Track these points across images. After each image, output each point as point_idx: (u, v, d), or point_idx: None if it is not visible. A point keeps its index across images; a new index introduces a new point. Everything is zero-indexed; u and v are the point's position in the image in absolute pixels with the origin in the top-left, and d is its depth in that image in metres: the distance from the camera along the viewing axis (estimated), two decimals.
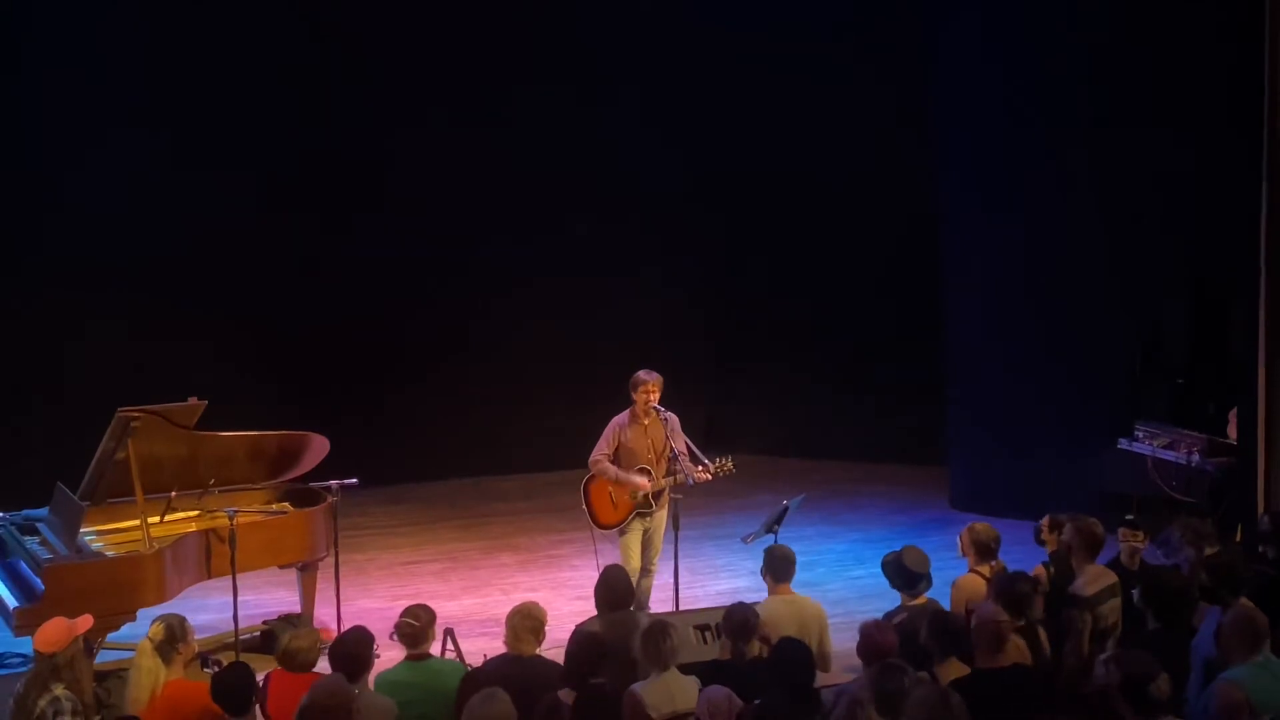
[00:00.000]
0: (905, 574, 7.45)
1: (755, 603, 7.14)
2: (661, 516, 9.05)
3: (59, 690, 6.18)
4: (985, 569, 7.70)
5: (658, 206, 13.28)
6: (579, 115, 12.88)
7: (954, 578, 7.83)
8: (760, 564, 7.66)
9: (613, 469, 8.98)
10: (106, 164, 11.62)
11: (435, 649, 7.13)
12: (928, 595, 7.52)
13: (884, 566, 7.59)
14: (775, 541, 8.49)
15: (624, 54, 12.90)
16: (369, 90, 12.39)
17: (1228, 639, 6.19)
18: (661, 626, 6.50)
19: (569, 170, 12.95)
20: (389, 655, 7.36)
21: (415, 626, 6.80)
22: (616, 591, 7.37)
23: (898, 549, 7.66)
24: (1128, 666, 5.64)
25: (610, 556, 8.92)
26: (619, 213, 13.13)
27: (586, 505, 9.11)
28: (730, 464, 9.00)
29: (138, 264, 11.75)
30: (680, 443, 8.97)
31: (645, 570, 9.11)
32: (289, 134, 12.17)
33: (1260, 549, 7.95)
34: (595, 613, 7.51)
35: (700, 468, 8.88)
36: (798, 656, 6.62)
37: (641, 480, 8.93)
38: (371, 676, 6.67)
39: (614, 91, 12.94)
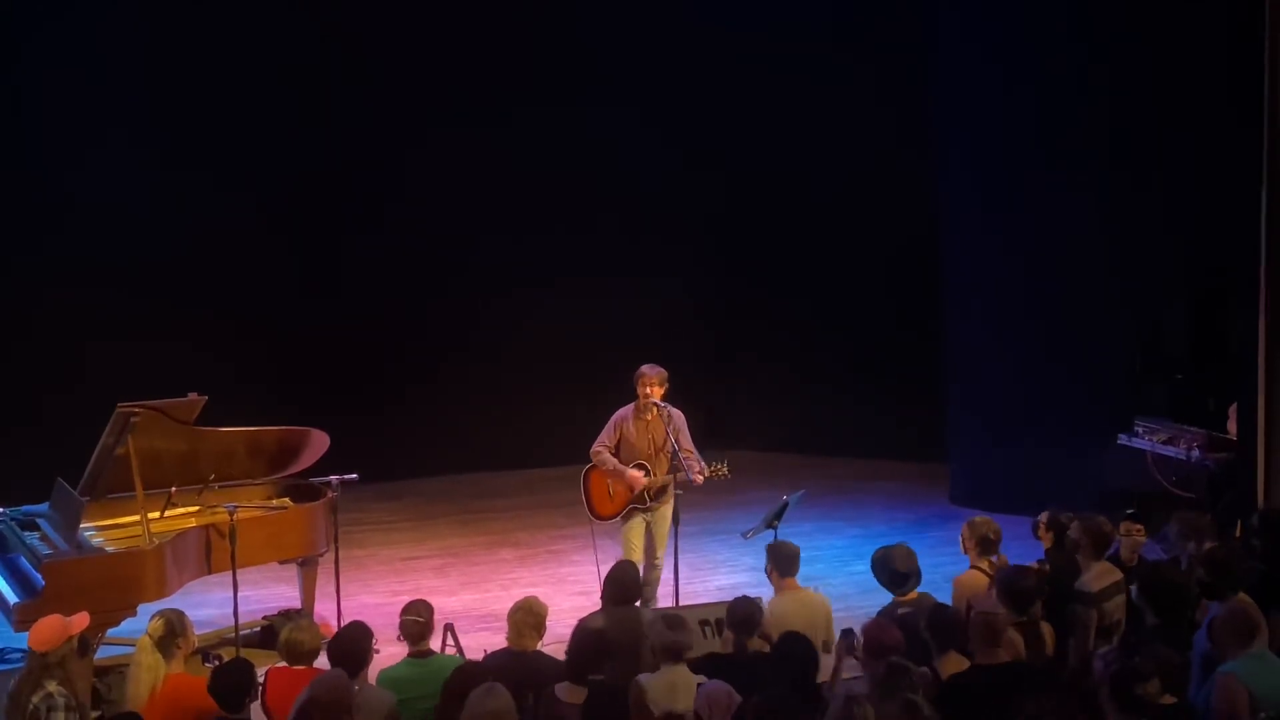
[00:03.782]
0: (894, 573, 7.44)
1: (760, 597, 7.16)
2: (665, 511, 9.03)
3: (52, 687, 6.20)
4: (986, 564, 7.72)
5: (658, 205, 13.28)
6: (579, 115, 12.88)
7: (954, 573, 7.84)
8: (760, 559, 7.69)
9: (611, 460, 9.00)
10: (107, 164, 11.62)
11: (435, 644, 7.14)
12: (919, 591, 7.51)
13: (873, 566, 7.59)
14: (775, 537, 8.53)
15: (624, 54, 12.90)
16: (369, 91, 12.40)
17: (1219, 633, 6.21)
18: (678, 619, 6.52)
19: (569, 170, 12.96)
20: (389, 651, 7.38)
21: (420, 623, 6.81)
22: (624, 587, 7.38)
23: (889, 546, 7.65)
24: (1123, 663, 5.65)
25: (609, 551, 8.94)
26: (619, 211, 13.13)
27: (585, 495, 9.14)
28: (725, 469, 9.00)
29: (139, 262, 11.76)
30: (684, 440, 8.98)
31: (650, 565, 9.12)
32: (290, 134, 12.18)
33: (1253, 543, 7.96)
34: (596, 608, 7.53)
35: (697, 469, 8.88)
36: (800, 652, 6.64)
37: (636, 475, 8.94)
38: (373, 673, 6.69)
39: (614, 91, 12.94)
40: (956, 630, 6.54)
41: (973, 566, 7.74)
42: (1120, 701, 5.58)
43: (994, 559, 7.72)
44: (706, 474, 8.92)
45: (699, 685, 6.15)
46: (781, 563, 7.55)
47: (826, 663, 7.22)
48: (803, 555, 7.75)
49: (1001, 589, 6.96)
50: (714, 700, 5.90)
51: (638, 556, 9.03)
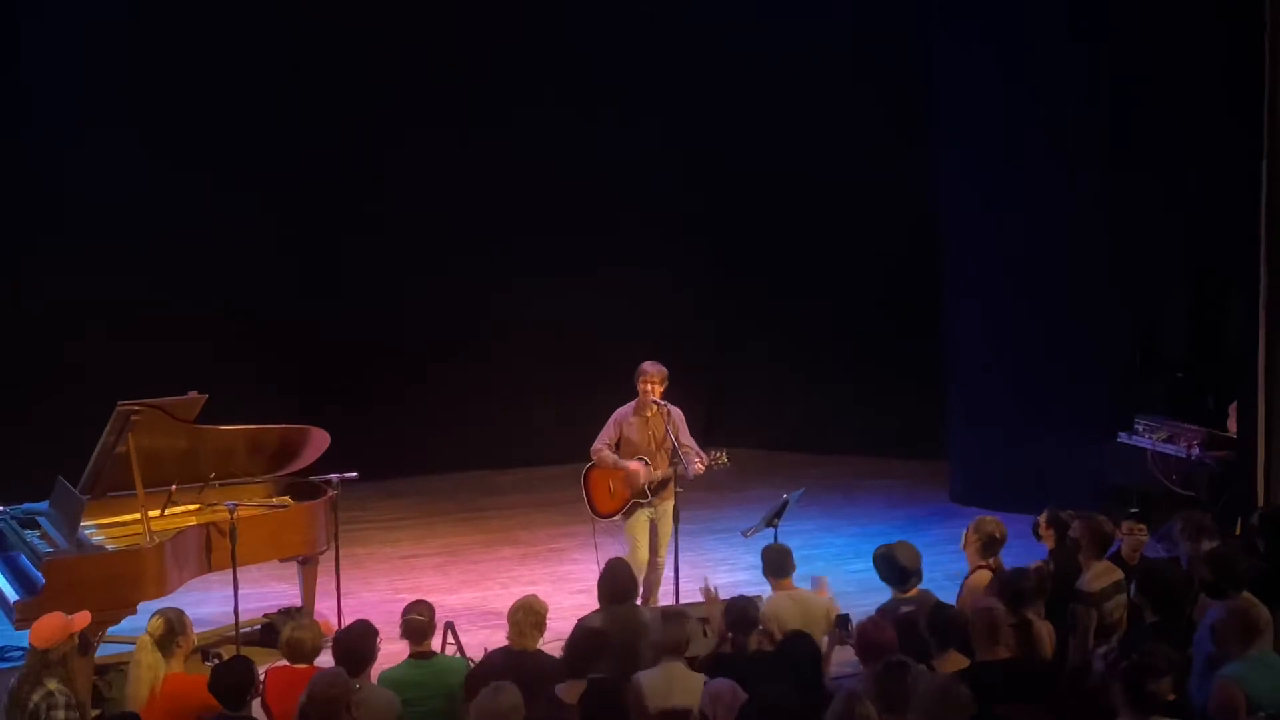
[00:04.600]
0: (898, 570, 7.45)
1: (759, 595, 7.17)
2: (667, 507, 9.03)
3: (52, 685, 6.19)
4: (988, 564, 7.72)
5: (658, 202, 13.26)
6: (579, 111, 12.85)
7: (955, 572, 7.84)
8: (759, 560, 7.68)
9: (611, 456, 9.02)
10: (108, 159, 11.60)
11: (435, 643, 7.14)
12: (920, 588, 7.52)
13: (875, 562, 7.60)
14: (775, 535, 8.55)
15: (625, 49, 12.85)
16: (369, 88, 12.37)
17: (1223, 633, 6.20)
18: (678, 614, 6.52)
19: (570, 167, 12.92)
20: (390, 650, 7.37)
21: (422, 621, 6.80)
22: (620, 584, 7.38)
23: (892, 543, 7.66)
24: (1136, 660, 5.64)
25: (609, 549, 8.93)
26: (619, 208, 13.11)
27: (586, 493, 9.14)
28: (725, 458, 9.00)
29: (139, 258, 11.75)
30: (684, 435, 8.98)
31: (652, 563, 9.13)
32: (290, 131, 12.15)
33: (1256, 543, 7.95)
34: (597, 606, 7.53)
35: (697, 461, 8.89)
36: (804, 650, 6.64)
37: (636, 466, 8.94)
38: (375, 672, 6.68)
39: (615, 87, 12.90)
40: (957, 629, 6.53)
41: (976, 567, 7.73)
42: (1131, 698, 5.56)
43: (991, 561, 7.73)
44: (707, 463, 8.92)
45: (705, 684, 6.16)
46: (775, 565, 7.55)
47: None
48: (802, 553, 7.75)
49: (1001, 588, 6.96)
50: (719, 698, 5.92)
51: (644, 552, 9.04)
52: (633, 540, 9.06)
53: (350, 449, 9.45)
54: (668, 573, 9.02)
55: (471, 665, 6.96)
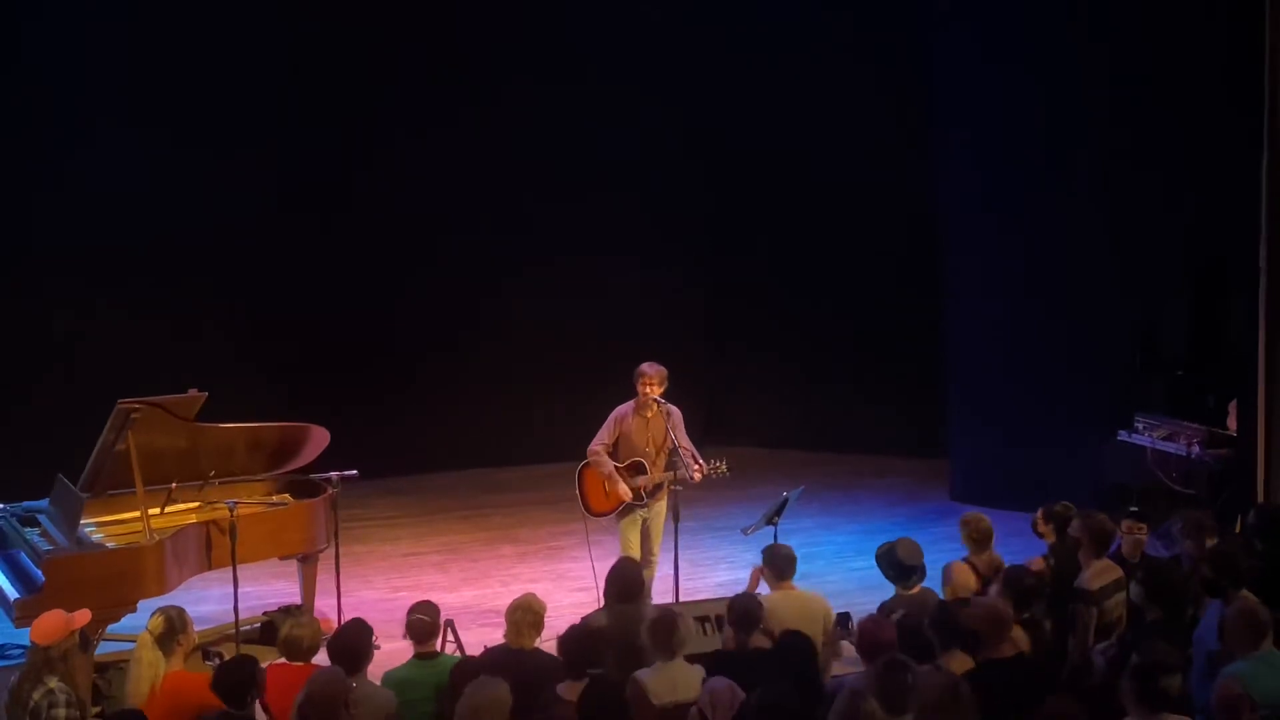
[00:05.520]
0: (899, 566, 7.48)
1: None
2: (660, 508, 9.04)
3: (53, 683, 6.18)
4: (978, 560, 7.75)
5: (659, 197, 13.26)
6: (578, 103, 12.86)
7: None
8: (760, 558, 7.68)
9: (607, 464, 8.97)
10: (109, 155, 11.60)
11: (436, 642, 7.13)
12: (922, 586, 7.53)
13: (878, 559, 7.62)
14: (775, 533, 8.55)
15: (625, 50, 12.87)
16: (369, 88, 12.37)
17: (1231, 632, 6.19)
18: (671, 618, 6.51)
19: (569, 159, 12.93)
20: (389, 648, 7.38)
21: (426, 622, 6.79)
22: (627, 583, 7.36)
23: (895, 539, 7.67)
24: (1144, 655, 5.63)
25: (604, 548, 8.93)
26: (620, 203, 13.11)
27: (580, 492, 9.12)
28: (724, 467, 8.97)
29: (138, 256, 11.74)
30: (682, 437, 8.97)
31: (646, 561, 9.10)
32: (289, 127, 12.16)
33: (1253, 543, 7.96)
34: (597, 604, 7.52)
35: (696, 466, 8.87)
36: (801, 648, 6.64)
37: (625, 491, 8.92)
38: (376, 671, 6.68)
39: (614, 78, 12.91)
40: (962, 629, 6.52)
41: (966, 559, 7.77)
42: (1141, 696, 5.55)
43: (984, 556, 7.76)
44: (705, 472, 8.91)
45: (703, 682, 6.16)
46: (778, 566, 7.54)
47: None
48: (803, 552, 7.74)
49: (1005, 586, 6.96)
50: (718, 697, 5.92)
51: (637, 551, 9.02)
52: (625, 540, 9.04)
53: (350, 447, 9.45)
54: (667, 570, 9.01)
55: (463, 659, 6.96)
